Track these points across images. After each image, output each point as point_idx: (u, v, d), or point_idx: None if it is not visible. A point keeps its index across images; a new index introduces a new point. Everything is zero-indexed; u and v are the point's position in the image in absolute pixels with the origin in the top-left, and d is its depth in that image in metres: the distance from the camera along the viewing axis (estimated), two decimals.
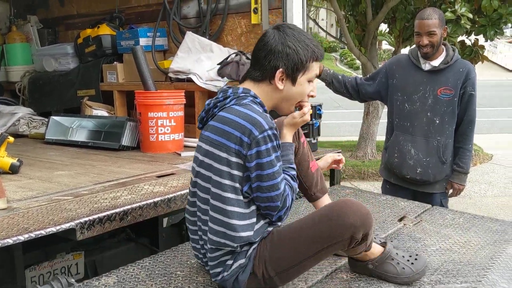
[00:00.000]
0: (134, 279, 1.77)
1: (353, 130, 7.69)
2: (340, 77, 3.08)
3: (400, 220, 2.38)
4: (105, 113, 3.54)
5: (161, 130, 3.00)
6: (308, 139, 3.09)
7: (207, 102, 1.68)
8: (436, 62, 2.83)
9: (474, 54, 6.05)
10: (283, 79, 1.63)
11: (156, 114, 2.98)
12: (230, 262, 1.60)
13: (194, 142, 3.21)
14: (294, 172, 1.68)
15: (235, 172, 1.54)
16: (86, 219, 1.81)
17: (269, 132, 1.51)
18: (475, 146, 7.55)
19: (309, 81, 1.68)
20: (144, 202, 2.00)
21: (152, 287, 1.71)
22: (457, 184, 2.93)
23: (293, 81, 1.64)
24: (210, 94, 3.21)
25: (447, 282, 1.80)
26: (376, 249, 1.77)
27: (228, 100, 1.61)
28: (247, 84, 1.66)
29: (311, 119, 3.06)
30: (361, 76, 3.82)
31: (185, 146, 3.17)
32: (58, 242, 2.47)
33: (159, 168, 2.59)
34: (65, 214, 1.86)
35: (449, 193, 3.00)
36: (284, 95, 1.66)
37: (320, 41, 25.58)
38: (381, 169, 3.24)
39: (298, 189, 1.69)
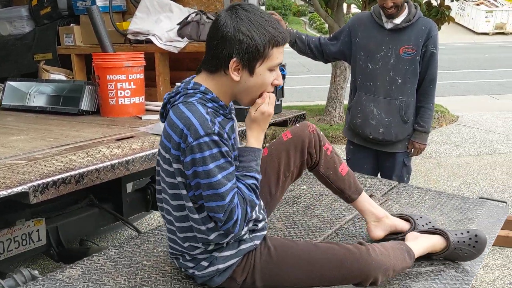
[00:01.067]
0: (99, 270, 1.75)
1: (323, 95, 7.70)
2: (303, 37, 3.04)
3: None
4: (63, 78, 3.43)
5: (121, 93, 2.92)
6: None
7: (164, 96, 1.57)
8: (398, 20, 2.82)
9: (440, 14, 6.07)
10: (238, 69, 1.45)
11: (114, 77, 2.90)
12: (205, 263, 1.56)
13: (156, 105, 3.14)
14: (251, 181, 1.50)
15: (179, 179, 1.47)
16: (40, 182, 1.76)
17: (206, 139, 1.38)
18: (442, 107, 7.67)
19: (271, 70, 1.49)
20: (101, 165, 1.95)
21: (118, 278, 1.69)
22: (418, 143, 2.97)
23: (251, 71, 1.46)
24: (170, 55, 3.13)
25: (412, 266, 1.81)
26: (438, 243, 1.78)
27: (178, 96, 1.49)
28: (201, 76, 1.52)
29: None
30: None
31: (147, 110, 3.10)
32: (17, 209, 2.42)
33: (118, 131, 2.54)
34: (17, 178, 1.80)
35: (411, 152, 3.04)
36: (242, 87, 1.49)
37: (289, 5, 25.25)
38: (345, 129, 3.26)
39: (257, 202, 1.54)
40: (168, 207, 1.56)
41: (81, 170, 1.88)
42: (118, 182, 3.00)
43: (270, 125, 3.06)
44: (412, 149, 3.00)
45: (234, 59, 1.43)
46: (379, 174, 3.18)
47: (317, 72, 13.30)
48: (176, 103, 1.48)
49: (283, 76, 3.09)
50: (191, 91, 1.48)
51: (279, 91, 3.06)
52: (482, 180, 4.94)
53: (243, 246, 1.56)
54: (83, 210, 2.83)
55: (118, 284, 1.65)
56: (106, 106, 2.97)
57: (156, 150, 2.19)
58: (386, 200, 2.39)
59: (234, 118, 1.62)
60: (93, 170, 1.91)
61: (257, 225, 1.61)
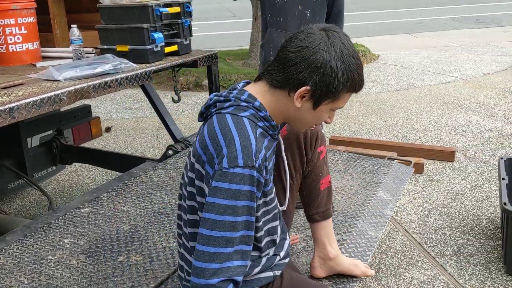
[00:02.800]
0: (0, 270, 1.65)
1: (249, 39, 7.57)
2: None
3: None
4: None
5: (11, 39, 2.66)
6: (179, 40, 2.92)
7: (210, 96, 1.38)
8: None
9: None
10: (304, 97, 1.31)
11: (2, 22, 2.62)
12: None
13: (54, 52, 2.91)
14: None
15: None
16: None
17: (242, 170, 1.20)
18: (363, 47, 7.78)
19: (332, 110, 1.37)
20: None
21: (21, 278, 1.59)
22: None
23: (315, 105, 1.32)
24: None
25: None
26: None
27: (227, 104, 1.31)
28: (260, 86, 1.35)
29: (180, 17, 2.87)
30: None
31: (44, 57, 2.86)
32: None
33: (6, 79, 2.31)
34: None
35: None
36: (299, 115, 1.35)
37: None
38: (259, 68, 3.20)
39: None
40: (195, 229, 1.36)
41: None
42: (17, 136, 2.81)
43: (180, 66, 2.93)
44: None
45: (308, 87, 1.28)
46: None
47: (243, 17, 13.05)
48: (223, 111, 1.30)
49: (190, 14, 2.96)
50: (244, 104, 1.31)
51: (186, 29, 2.93)
52: (398, 113, 5.12)
53: (262, 275, 1.38)
54: None
55: (21, 284, 1.57)
56: None
57: (46, 95, 2.03)
58: None
59: (281, 139, 1.49)
60: None
61: (279, 254, 1.45)
